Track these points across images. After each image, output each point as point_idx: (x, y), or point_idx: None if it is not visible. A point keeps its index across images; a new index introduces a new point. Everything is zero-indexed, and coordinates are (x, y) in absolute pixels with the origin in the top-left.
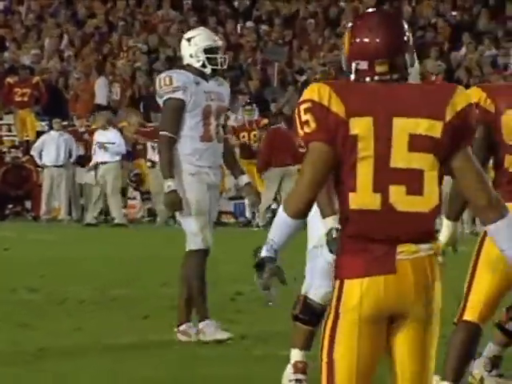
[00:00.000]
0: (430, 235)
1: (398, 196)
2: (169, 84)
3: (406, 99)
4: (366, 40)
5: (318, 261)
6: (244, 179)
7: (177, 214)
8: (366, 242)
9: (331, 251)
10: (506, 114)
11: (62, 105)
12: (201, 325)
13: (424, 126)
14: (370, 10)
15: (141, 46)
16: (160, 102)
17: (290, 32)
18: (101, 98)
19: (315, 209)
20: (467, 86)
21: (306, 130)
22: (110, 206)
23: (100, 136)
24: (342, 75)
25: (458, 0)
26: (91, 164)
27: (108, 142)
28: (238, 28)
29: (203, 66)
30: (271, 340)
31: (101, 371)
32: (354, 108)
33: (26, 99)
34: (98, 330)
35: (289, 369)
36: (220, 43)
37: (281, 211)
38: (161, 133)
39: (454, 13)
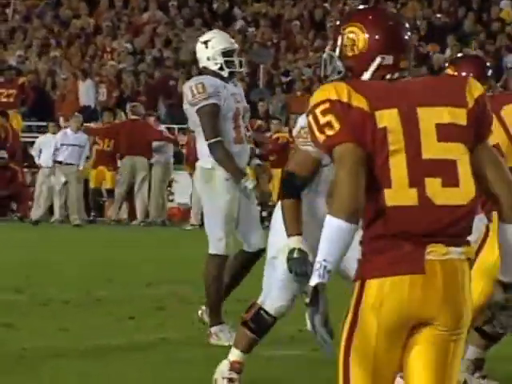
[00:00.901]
0: (466, 234)
1: (434, 189)
2: (202, 91)
3: (424, 90)
4: (393, 35)
5: (277, 272)
6: (255, 161)
7: (204, 217)
8: (396, 239)
9: (291, 271)
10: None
11: (49, 106)
12: (213, 329)
13: (449, 115)
14: (368, 6)
15: (127, 46)
16: (191, 110)
17: (276, 34)
18: (87, 100)
19: (277, 217)
20: None
21: (329, 132)
22: (71, 207)
23: (65, 137)
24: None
25: (443, 3)
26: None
27: (74, 144)
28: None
29: (221, 68)
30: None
31: (85, 372)
32: (377, 101)
33: (11, 100)
34: (82, 330)
35: (225, 365)
36: (236, 46)
37: (330, 219)
38: (211, 141)
39: (438, 15)
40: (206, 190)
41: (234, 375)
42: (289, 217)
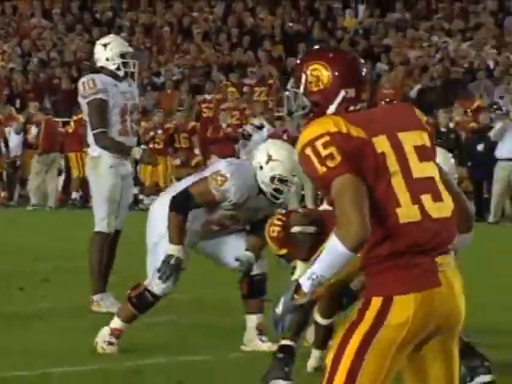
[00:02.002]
0: (452, 243)
1: (429, 204)
2: (92, 87)
3: (394, 117)
4: (353, 70)
5: (159, 257)
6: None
7: (91, 198)
8: (411, 256)
9: (163, 275)
10: None
11: None
12: (95, 297)
13: (419, 138)
14: (326, 46)
15: (17, 49)
16: (83, 102)
17: (149, 39)
18: None
19: (156, 205)
20: None
21: (330, 164)
22: None
23: None
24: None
25: (293, 13)
26: None
27: None
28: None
29: (118, 68)
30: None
31: None
32: (369, 130)
33: None
34: None
35: (106, 331)
36: (131, 49)
37: (336, 245)
38: (96, 131)
39: (290, 24)
40: (93, 175)
41: (114, 340)
42: (174, 228)
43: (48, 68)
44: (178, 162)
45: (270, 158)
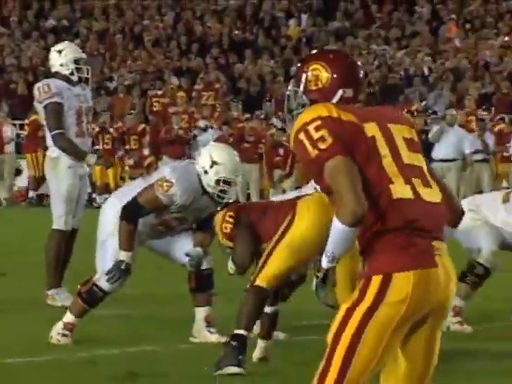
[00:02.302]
0: (444, 230)
1: (420, 187)
2: (47, 91)
3: (385, 113)
4: (351, 72)
5: (108, 253)
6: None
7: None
8: (408, 235)
9: (113, 277)
10: None
11: None
12: (50, 292)
13: (408, 132)
14: (327, 49)
15: None
16: (39, 107)
17: (102, 45)
18: None
19: (107, 206)
20: (248, 93)
21: (322, 146)
22: None
23: None
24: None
25: (239, 22)
26: None
27: None
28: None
29: (71, 73)
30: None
31: None
32: (359, 116)
33: None
34: None
35: (60, 325)
36: (84, 55)
37: (337, 225)
38: (53, 133)
39: (236, 32)
40: (52, 175)
41: (67, 332)
42: (125, 236)
43: (5, 73)
44: (131, 162)
45: (213, 163)
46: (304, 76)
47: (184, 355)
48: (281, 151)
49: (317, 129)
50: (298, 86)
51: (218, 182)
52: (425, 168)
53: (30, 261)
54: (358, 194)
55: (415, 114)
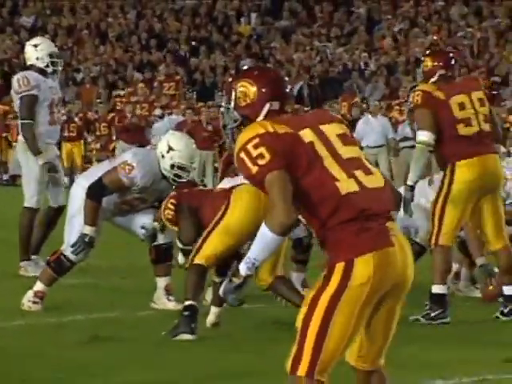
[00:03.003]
0: (392, 210)
1: (362, 177)
2: (27, 84)
3: (312, 116)
4: (276, 85)
5: (75, 228)
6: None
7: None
8: (362, 222)
9: (78, 249)
10: None
11: None
12: (23, 263)
13: (339, 128)
14: (253, 66)
15: None
16: (16, 97)
17: (71, 39)
18: None
19: (75, 186)
20: (203, 83)
21: (261, 162)
22: None
23: None
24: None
25: (196, 20)
26: None
27: None
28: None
29: (47, 66)
30: None
31: None
32: (293, 126)
33: None
34: None
35: (30, 293)
36: (57, 50)
37: (266, 231)
38: (23, 121)
39: (192, 29)
40: (24, 157)
41: (37, 300)
42: (89, 212)
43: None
44: (98, 146)
45: (170, 148)
46: (233, 93)
47: (144, 321)
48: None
49: (255, 147)
50: (230, 103)
51: (172, 166)
52: (362, 157)
53: (2, 236)
54: (287, 207)
55: (355, 105)
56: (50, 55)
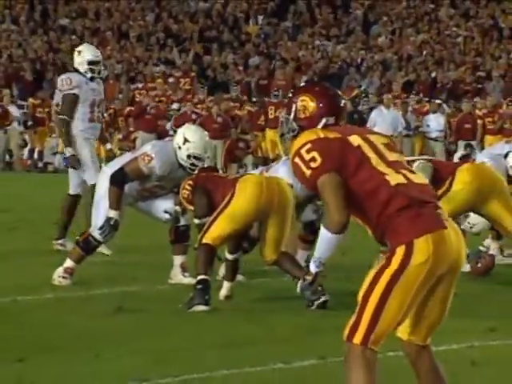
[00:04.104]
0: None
1: (408, 175)
2: (69, 83)
3: (361, 129)
4: (334, 102)
5: (101, 211)
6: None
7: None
8: (416, 208)
9: (104, 231)
10: None
11: None
12: (60, 241)
13: (384, 139)
14: (313, 82)
15: None
16: (60, 94)
17: (96, 39)
18: None
19: (101, 175)
20: (214, 79)
21: (314, 165)
22: None
23: None
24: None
25: (208, 21)
26: None
27: None
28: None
29: (86, 72)
30: None
31: None
32: (342, 132)
33: None
34: None
35: (61, 269)
36: (100, 58)
37: (324, 232)
38: (61, 116)
39: (205, 33)
40: (77, 150)
41: (66, 275)
42: (113, 198)
43: (15, 62)
44: (120, 136)
45: (185, 140)
46: (294, 106)
47: (163, 294)
48: (241, 145)
49: (308, 151)
50: (289, 114)
51: (188, 156)
52: (405, 162)
53: (34, 218)
54: (340, 205)
55: (357, 99)
56: (89, 62)
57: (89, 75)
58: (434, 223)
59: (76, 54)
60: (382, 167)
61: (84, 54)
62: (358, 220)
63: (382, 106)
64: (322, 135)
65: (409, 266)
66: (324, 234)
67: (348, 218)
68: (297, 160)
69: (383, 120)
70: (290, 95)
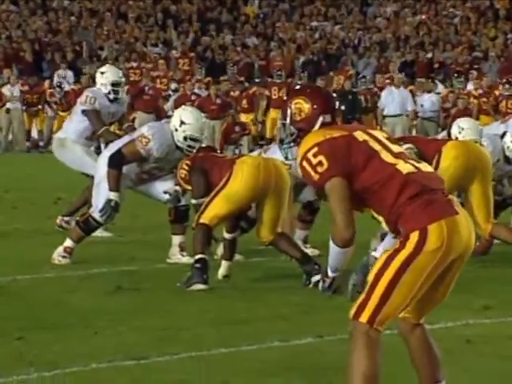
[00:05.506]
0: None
1: (416, 163)
2: (93, 103)
3: (359, 125)
4: (327, 101)
5: (101, 193)
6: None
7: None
8: (428, 195)
9: (105, 213)
10: None
11: None
12: (66, 218)
13: (384, 133)
14: (305, 85)
15: None
16: (80, 107)
17: (95, 20)
18: None
19: (100, 157)
20: (213, 60)
21: (321, 169)
22: None
23: None
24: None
25: (207, 2)
26: None
27: None
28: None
29: (109, 93)
30: None
31: None
32: (346, 129)
33: None
34: None
35: (60, 248)
36: (123, 80)
37: (333, 245)
38: (101, 131)
39: (204, 11)
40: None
41: (66, 255)
42: (112, 180)
43: (15, 43)
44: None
45: (182, 122)
46: (289, 110)
47: (161, 273)
48: (237, 129)
49: (315, 155)
50: (285, 119)
51: (185, 138)
52: (408, 153)
53: (35, 197)
54: (346, 219)
55: (351, 78)
56: (113, 84)
57: (111, 97)
58: (447, 209)
59: (99, 74)
60: (390, 158)
61: (107, 75)
62: (373, 212)
63: (393, 85)
64: (327, 136)
65: (422, 251)
66: (333, 247)
67: (353, 233)
68: (304, 164)
69: (392, 100)
70: (284, 100)
